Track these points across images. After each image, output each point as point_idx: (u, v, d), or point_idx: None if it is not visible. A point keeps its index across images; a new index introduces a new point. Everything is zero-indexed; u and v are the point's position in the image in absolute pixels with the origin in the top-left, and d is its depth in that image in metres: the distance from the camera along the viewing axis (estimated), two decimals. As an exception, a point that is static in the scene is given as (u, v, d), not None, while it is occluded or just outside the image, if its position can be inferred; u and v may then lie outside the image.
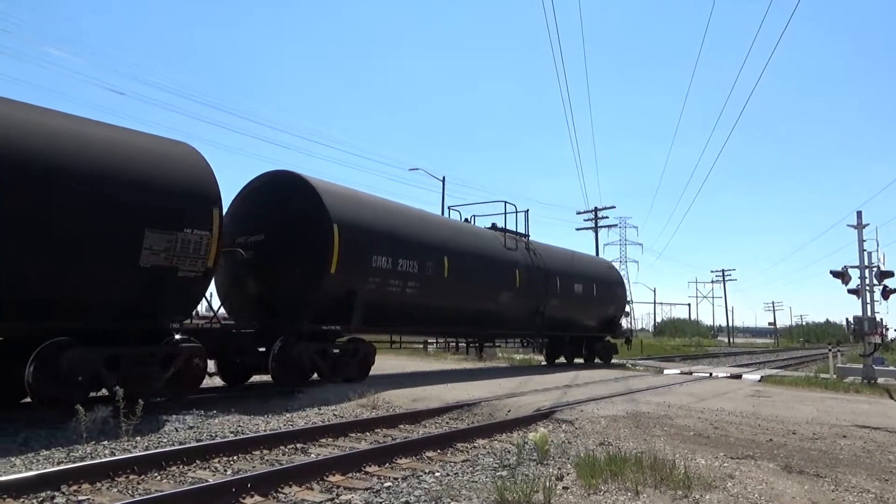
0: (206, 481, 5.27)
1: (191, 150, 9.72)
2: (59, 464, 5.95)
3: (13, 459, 6.13)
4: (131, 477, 5.54)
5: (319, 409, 9.67)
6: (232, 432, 7.75)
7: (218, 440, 6.96)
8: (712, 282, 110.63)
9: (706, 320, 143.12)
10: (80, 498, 4.94)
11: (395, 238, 12.94)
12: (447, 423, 8.97)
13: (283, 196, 11.97)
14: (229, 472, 5.89)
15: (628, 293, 24.94)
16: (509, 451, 6.78)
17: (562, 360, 21.96)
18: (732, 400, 11.96)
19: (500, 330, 17.22)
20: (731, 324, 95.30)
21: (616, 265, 26.89)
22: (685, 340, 74.01)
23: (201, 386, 10.24)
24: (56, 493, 4.98)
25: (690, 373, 19.35)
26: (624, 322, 24.02)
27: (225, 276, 11.92)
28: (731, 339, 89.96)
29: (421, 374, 15.57)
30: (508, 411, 9.69)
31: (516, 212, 18.49)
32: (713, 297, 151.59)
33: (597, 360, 22.54)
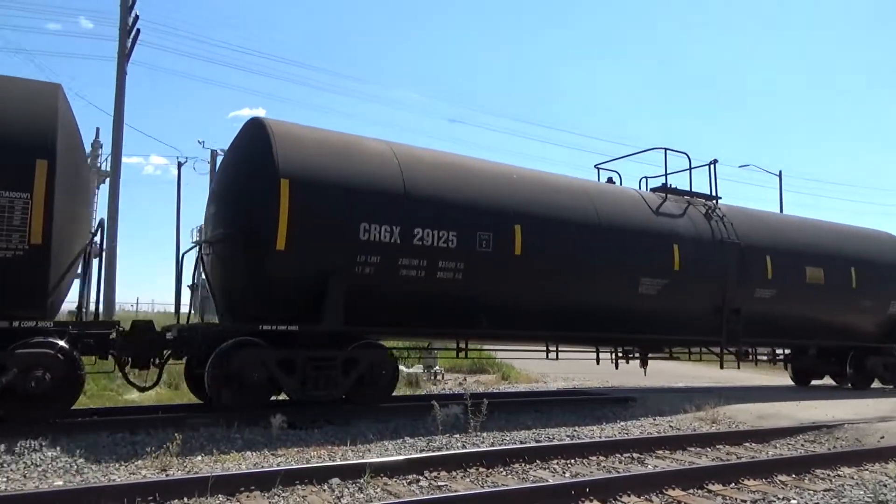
0: (546, 481, 5.57)
1: (38, 85, 7.58)
2: (420, 451, 6.75)
3: (387, 444, 7.17)
4: (480, 469, 6.04)
5: (654, 420, 9.47)
6: (568, 436, 8.03)
7: (555, 442, 7.29)
8: None
9: None
10: (439, 483, 5.54)
11: (407, 197, 8.98)
12: (802, 445, 8.18)
13: (240, 155, 9.19)
14: (567, 474, 6.07)
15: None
16: (885, 485, 5.80)
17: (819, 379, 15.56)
18: None
19: (638, 335, 11.52)
20: None
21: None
22: None
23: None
24: (420, 477, 5.66)
25: None
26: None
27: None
28: None
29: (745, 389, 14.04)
30: (881, 438, 8.31)
31: (690, 168, 12.60)
32: None
33: (876, 384, 14.79)
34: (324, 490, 5.17)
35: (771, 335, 13.24)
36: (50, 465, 5.84)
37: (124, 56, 19.29)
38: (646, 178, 13.39)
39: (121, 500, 4.62)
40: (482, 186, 9.89)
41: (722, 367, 13.17)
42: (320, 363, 8.56)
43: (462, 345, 10.62)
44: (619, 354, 12.42)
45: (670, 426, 9.06)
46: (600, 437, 7.89)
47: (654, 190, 12.76)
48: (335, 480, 5.32)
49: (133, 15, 19.66)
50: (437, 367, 15.84)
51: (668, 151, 12.59)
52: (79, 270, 8.31)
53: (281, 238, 8.13)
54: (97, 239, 8.75)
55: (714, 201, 12.97)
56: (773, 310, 12.71)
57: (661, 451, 7.24)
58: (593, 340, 11.85)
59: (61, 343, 7.17)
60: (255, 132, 8.89)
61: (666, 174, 12.61)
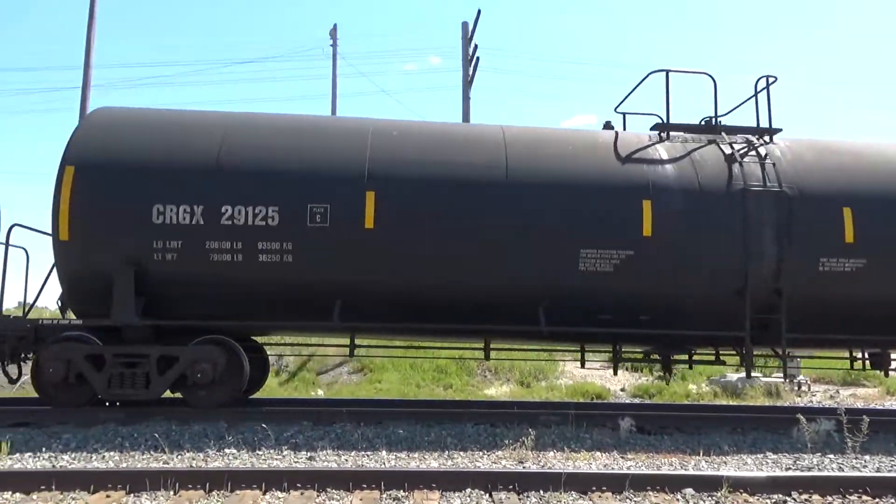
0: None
1: None
2: (787, 469, 6.26)
3: (745, 457, 6.69)
4: (864, 498, 5.21)
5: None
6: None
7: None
8: None
9: None
10: (814, 508, 5.01)
11: (220, 170, 7.82)
12: None
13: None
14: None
15: None
16: None
17: None
18: None
19: (580, 329, 8.19)
20: None
21: None
22: None
23: None
24: (787, 499, 5.14)
25: None
26: None
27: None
28: None
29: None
30: None
31: (716, 91, 8.82)
32: None
33: None
34: (677, 500, 5.08)
35: (854, 330, 8.50)
36: (427, 449, 6.71)
37: (467, 83, 21.75)
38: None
39: (485, 485, 5.17)
40: (328, 148, 8.20)
41: (749, 374, 8.79)
42: (133, 360, 7.88)
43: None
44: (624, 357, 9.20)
45: None
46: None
47: (660, 129, 9.05)
48: (689, 491, 5.16)
49: (473, 45, 22.01)
50: (802, 378, 14.31)
51: (669, 74, 8.83)
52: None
53: (63, 228, 7.72)
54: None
55: (759, 137, 8.91)
56: (856, 291, 8.23)
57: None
58: (502, 335, 9.06)
59: None
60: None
61: (668, 103, 8.88)
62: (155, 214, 7.72)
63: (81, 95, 20.32)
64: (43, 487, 4.96)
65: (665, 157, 8.47)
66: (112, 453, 6.36)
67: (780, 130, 9.01)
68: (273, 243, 7.77)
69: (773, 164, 8.43)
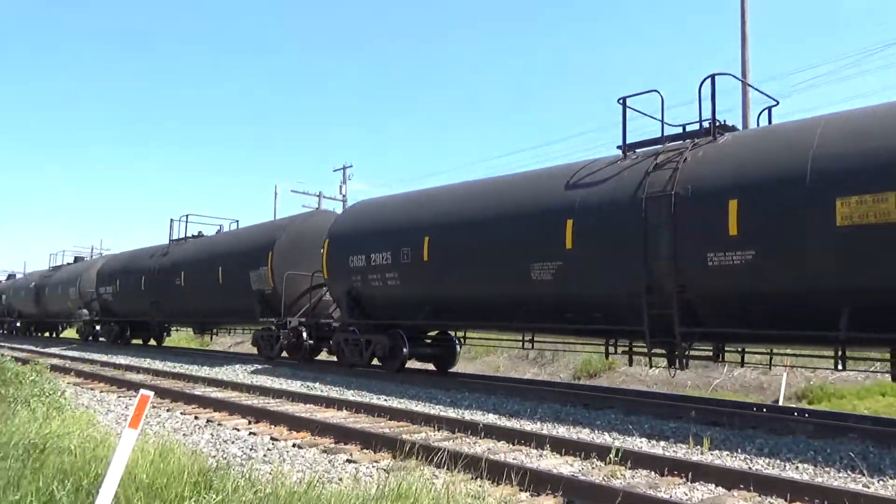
0: None
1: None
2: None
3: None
4: None
5: None
6: None
7: None
8: None
9: None
10: None
11: (371, 233, 13.50)
12: None
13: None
14: None
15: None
16: None
17: None
18: None
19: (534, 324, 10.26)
20: None
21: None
22: None
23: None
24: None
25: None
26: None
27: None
28: None
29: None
30: None
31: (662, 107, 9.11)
32: None
33: None
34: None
35: (751, 324, 7.87)
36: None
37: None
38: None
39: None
40: (407, 213, 13.19)
41: (672, 364, 8.14)
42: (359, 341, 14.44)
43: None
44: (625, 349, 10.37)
45: None
46: None
47: (622, 149, 10.15)
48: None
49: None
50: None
51: (626, 100, 9.90)
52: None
53: (325, 271, 15.04)
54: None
55: (693, 140, 9.23)
56: (748, 284, 7.96)
57: None
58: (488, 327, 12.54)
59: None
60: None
61: (624, 127, 9.91)
62: (352, 262, 13.97)
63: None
64: (741, 486, 5.21)
65: (590, 182, 9.98)
66: (806, 465, 6.18)
67: (719, 129, 8.99)
68: (391, 273, 13.01)
69: (677, 169, 8.86)
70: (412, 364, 14.58)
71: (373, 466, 6.11)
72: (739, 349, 10.28)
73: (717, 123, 9.34)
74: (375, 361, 14.05)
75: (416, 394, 10.91)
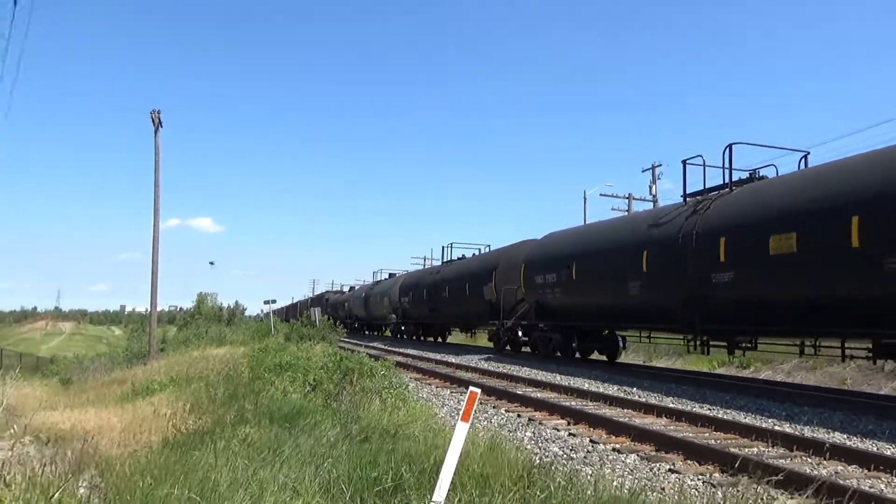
0: None
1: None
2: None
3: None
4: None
5: None
6: None
7: None
8: None
9: None
10: None
11: (541, 259, 18.63)
12: None
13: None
14: None
15: None
16: None
17: None
18: None
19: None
20: None
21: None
22: None
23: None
24: None
25: None
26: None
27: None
28: None
29: None
30: None
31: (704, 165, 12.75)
32: None
33: None
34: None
35: (737, 322, 11.67)
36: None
37: None
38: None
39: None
40: (567, 244, 18.10)
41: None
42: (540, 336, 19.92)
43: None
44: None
45: None
46: None
47: (683, 197, 14.22)
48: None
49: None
50: None
51: (686, 162, 13.81)
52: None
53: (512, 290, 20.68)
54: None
55: (714, 192, 13.21)
56: (733, 294, 11.79)
57: None
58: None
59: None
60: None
61: (685, 181, 13.88)
62: (537, 280, 19.37)
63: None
64: None
65: (661, 222, 14.15)
66: None
67: (725, 187, 12.85)
68: (556, 289, 18.20)
69: (701, 214, 12.76)
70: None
71: (698, 479, 5.98)
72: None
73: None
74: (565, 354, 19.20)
75: (745, 405, 10.50)
